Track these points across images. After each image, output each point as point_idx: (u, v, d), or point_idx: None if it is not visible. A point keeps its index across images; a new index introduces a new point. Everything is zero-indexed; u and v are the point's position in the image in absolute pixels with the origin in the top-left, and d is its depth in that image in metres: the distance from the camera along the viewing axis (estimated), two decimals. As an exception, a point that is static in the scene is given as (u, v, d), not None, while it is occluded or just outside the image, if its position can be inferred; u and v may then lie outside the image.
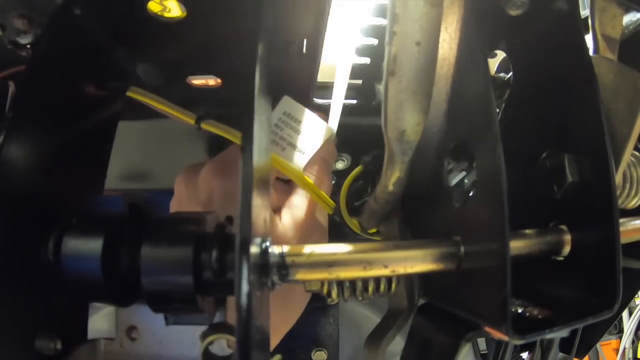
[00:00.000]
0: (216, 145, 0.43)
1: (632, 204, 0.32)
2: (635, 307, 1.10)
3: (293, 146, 0.36)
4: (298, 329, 0.52)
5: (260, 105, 0.20)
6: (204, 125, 0.35)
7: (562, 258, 0.26)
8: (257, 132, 0.19)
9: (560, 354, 0.38)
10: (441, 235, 0.25)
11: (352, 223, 0.38)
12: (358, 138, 0.40)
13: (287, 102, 0.36)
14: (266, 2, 0.24)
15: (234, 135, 0.35)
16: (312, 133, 0.36)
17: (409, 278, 0.29)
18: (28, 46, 0.28)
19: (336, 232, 0.41)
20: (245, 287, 0.17)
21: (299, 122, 0.36)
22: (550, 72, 0.28)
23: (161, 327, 0.25)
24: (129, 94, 0.34)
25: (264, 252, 0.20)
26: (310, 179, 0.36)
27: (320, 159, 0.37)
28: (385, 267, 0.22)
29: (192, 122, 0.35)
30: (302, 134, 0.36)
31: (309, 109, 0.37)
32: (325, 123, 0.37)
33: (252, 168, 0.18)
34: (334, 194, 0.41)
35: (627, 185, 0.31)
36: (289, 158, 0.36)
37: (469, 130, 0.24)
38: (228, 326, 0.24)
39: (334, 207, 0.37)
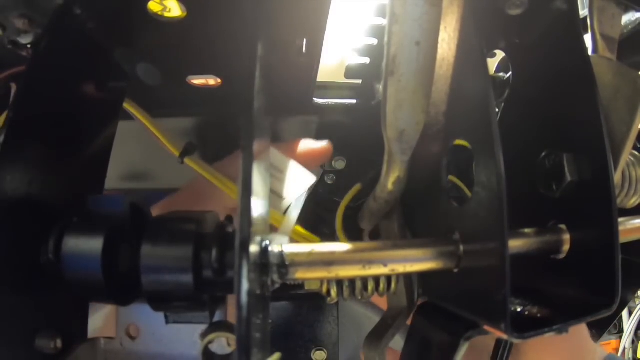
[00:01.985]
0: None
1: (631, 203, 0.32)
2: (635, 307, 1.10)
3: (274, 193, 0.37)
4: (298, 329, 0.52)
5: (259, 105, 0.20)
6: (187, 161, 0.36)
7: (561, 257, 0.26)
8: (256, 132, 0.19)
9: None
10: (441, 235, 0.25)
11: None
12: (357, 138, 0.41)
13: (273, 154, 0.37)
14: (266, 1, 0.24)
15: (214, 176, 0.36)
16: (295, 181, 0.38)
17: (408, 277, 0.29)
18: (28, 46, 0.28)
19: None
20: (245, 286, 0.17)
21: (281, 171, 0.38)
22: (549, 72, 0.28)
23: (161, 326, 0.25)
24: (126, 106, 0.34)
25: (264, 251, 0.20)
26: None
27: None
28: (385, 266, 0.22)
29: (176, 153, 0.36)
30: (283, 182, 0.38)
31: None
32: (309, 173, 0.38)
33: (251, 167, 0.18)
34: (333, 192, 0.41)
35: (626, 185, 0.31)
36: (271, 204, 0.37)
37: (469, 129, 0.24)
38: (228, 325, 0.24)
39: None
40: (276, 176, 0.37)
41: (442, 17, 0.24)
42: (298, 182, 0.37)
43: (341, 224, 0.37)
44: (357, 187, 0.39)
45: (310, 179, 0.38)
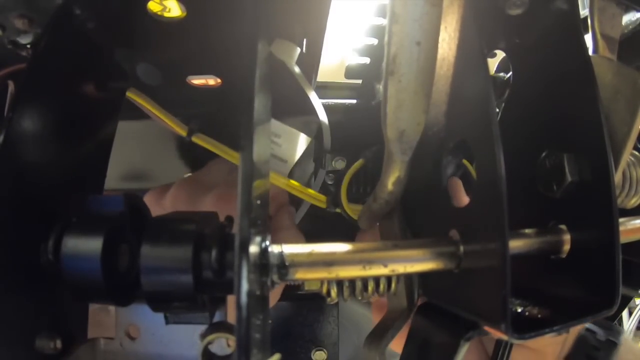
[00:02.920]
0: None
1: (632, 203, 0.32)
2: (635, 307, 1.10)
3: (276, 157, 0.39)
4: (298, 329, 0.52)
5: (259, 104, 0.20)
6: (194, 139, 0.37)
7: (561, 257, 0.26)
8: (256, 131, 0.19)
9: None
10: (441, 235, 0.25)
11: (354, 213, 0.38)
12: (357, 138, 0.41)
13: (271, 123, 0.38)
14: (266, 1, 0.24)
15: (224, 151, 0.36)
16: (293, 144, 0.39)
17: (408, 277, 0.29)
18: (28, 46, 0.28)
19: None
20: (245, 286, 0.17)
21: (279, 136, 0.39)
22: (549, 72, 0.28)
23: (161, 326, 0.25)
24: (128, 94, 0.34)
25: (264, 251, 0.20)
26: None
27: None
28: (385, 266, 0.22)
29: (183, 133, 0.36)
30: (282, 146, 0.39)
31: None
32: (303, 135, 0.39)
33: (252, 167, 0.18)
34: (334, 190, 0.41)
35: (627, 185, 0.31)
36: (273, 168, 0.38)
37: (469, 129, 0.24)
38: (228, 325, 0.24)
39: (324, 201, 0.39)
40: (275, 142, 0.39)
41: (443, 17, 0.24)
42: (297, 145, 0.39)
43: (345, 194, 0.38)
44: (360, 162, 0.39)
45: (306, 140, 0.39)
